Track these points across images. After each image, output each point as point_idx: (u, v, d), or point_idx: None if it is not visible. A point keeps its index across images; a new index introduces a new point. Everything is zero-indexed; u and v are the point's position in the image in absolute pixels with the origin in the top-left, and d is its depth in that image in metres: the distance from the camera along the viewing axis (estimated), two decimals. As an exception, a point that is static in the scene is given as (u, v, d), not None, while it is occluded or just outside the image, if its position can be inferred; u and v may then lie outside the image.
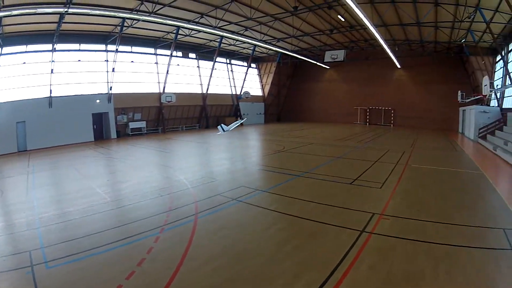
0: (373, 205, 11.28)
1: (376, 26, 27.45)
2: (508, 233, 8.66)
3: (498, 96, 33.03)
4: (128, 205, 11.48)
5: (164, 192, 12.95)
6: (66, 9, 21.99)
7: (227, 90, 53.72)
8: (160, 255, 7.51)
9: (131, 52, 39.01)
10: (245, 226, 9.53)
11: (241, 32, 38.77)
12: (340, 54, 37.97)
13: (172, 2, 26.96)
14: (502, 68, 33.86)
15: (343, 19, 34.36)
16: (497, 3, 24.56)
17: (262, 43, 40.56)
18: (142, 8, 27.19)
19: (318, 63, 53.24)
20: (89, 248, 7.83)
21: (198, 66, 48.48)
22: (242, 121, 34.55)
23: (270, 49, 47.52)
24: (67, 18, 26.94)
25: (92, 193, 12.99)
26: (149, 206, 11.28)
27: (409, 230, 8.96)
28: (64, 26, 28.48)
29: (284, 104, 66.75)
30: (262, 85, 61.80)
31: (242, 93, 52.55)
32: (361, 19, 23.52)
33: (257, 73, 61.65)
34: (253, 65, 59.76)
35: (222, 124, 29.79)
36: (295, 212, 10.54)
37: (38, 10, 21.59)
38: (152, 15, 27.25)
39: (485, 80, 27.97)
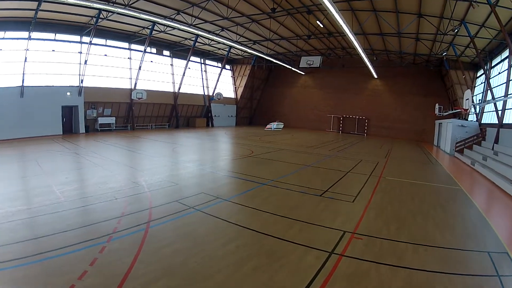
0: (344, 221, 10.24)
1: (355, 34, 26.91)
2: (494, 258, 8.00)
3: (478, 111, 32.93)
4: (80, 207, 10.43)
5: (120, 195, 11.79)
6: None
7: (199, 91, 52.66)
8: (103, 269, 6.56)
9: (105, 45, 37.72)
10: (200, 240, 8.33)
11: (217, 32, 38.08)
12: (316, 60, 37.33)
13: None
14: (483, 83, 34.16)
15: (321, 25, 33.87)
16: (484, 18, 24.53)
17: (237, 44, 39.92)
18: (119, 0, 26.20)
19: (293, 68, 53.06)
20: (35, 253, 7.06)
21: (171, 64, 47.31)
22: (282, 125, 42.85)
23: (246, 51, 46.93)
24: (45, 6, 25.93)
25: (48, 191, 11.92)
26: (102, 210, 10.18)
27: (385, 253, 7.99)
28: (41, 14, 27.47)
29: (256, 107, 66.48)
30: (235, 87, 61.02)
31: (214, 95, 51.69)
32: (341, 26, 23.05)
33: (230, 75, 60.86)
34: (227, 66, 59.03)
35: (272, 123, 41.02)
36: (257, 226, 9.43)
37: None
38: (127, 8, 26.17)
39: (467, 94, 27.77)
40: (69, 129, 33.90)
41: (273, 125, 41.93)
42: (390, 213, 11.36)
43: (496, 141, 25.56)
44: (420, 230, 9.78)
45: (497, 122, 26.59)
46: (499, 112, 26.32)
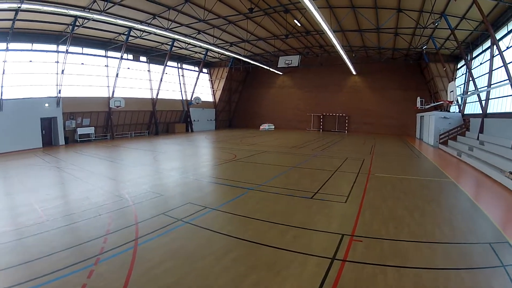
0: (341, 224, 9.97)
1: (333, 31, 26.94)
2: (496, 248, 8.06)
3: (460, 102, 33.32)
4: (64, 226, 9.77)
5: (103, 211, 11.18)
6: (19, 5, 21.44)
7: (177, 96, 52.06)
8: (94, 297, 6.12)
9: (81, 53, 37.00)
10: (192, 256, 7.79)
11: (194, 35, 37.78)
12: (294, 60, 37.21)
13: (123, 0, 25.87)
14: (464, 75, 34.81)
15: (299, 24, 33.90)
16: (465, 10, 24.84)
17: (214, 47, 39.53)
18: (94, 6, 25.82)
19: (271, 69, 53.08)
20: (21, 281, 6.48)
21: (148, 70, 46.67)
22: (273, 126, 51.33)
23: (223, 54, 47.04)
24: (21, 15, 25.52)
25: (29, 210, 11.34)
26: (86, 229, 9.59)
27: (388, 254, 7.75)
28: (18, 24, 27.09)
29: (235, 110, 66.30)
30: (213, 90, 60.64)
31: (192, 99, 51.33)
32: (319, 23, 22.94)
33: (208, 79, 60.49)
34: (204, 70, 58.68)
35: (264, 124, 50.07)
36: (250, 235, 8.99)
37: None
38: (103, 13, 25.78)
39: (451, 86, 27.89)
40: (49, 141, 33.12)
41: (266, 126, 48.04)
42: (385, 212, 11.14)
43: (481, 130, 25.87)
44: (418, 227, 9.59)
45: (480, 112, 26.94)
46: (483, 102, 26.67)
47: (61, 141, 33.56)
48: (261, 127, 47.69)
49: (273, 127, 48.49)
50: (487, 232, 9.35)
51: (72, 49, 33.78)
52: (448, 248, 8.15)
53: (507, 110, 23.67)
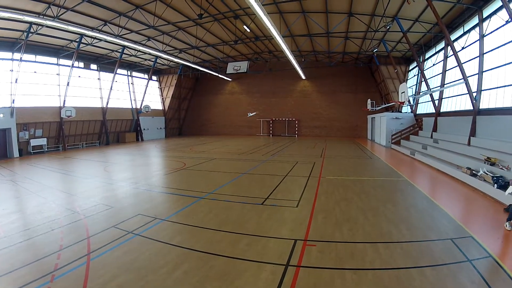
0: (293, 229, 9.66)
1: (283, 36, 27.01)
2: (458, 243, 8.17)
3: (412, 103, 34.32)
4: (19, 242, 9.29)
5: (56, 225, 10.52)
6: None
7: (127, 104, 50.92)
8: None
9: (34, 61, 35.67)
10: (143, 269, 7.36)
11: (144, 42, 37.19)
12: (243, 66, 37.21)
13: (76, 5, 25.18)
14: (416, 76, 36.05)
15: (248, 30, 33.94)
16: (418, 13, 25.41)
17: (164, 54, 38.73)
18: (48, 12, 25.10)
19: (220, 75, 52.96)
20: None
21: (98, 78, 45.19)
22: None
23: (172, 61, 46.60)
24: None
25: None
26: (41, 244, 9.07)
27: (344, 257, 7.56)
28: None
29: (185, 117, 65.66)
30: (162, 98, 59.72)
31: (142, 107, 50.36)
32: (269, 29, 22.87)
33: (157, 86, 59.50)
34: (154, 77, 57.79)
35: None
36: (201, 246, 8.56)
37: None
38: (56, 19, 24.85)
39: (403, 87, 28.29)
40: (3, 153, 31.86)
41: None
42: (338, 214, 10.95)
43: (435, 129, 26.69)
44: (374, 228, 9.49)
45: (433, 111, 27.80)
46: (436, 102, 27.48)
47: (16, 153, 32.31)
48: None
49: None
50: (448, 228, 9.33)
51: (25, 57, 32.85)
52: (407, 247, 8.05)
53: (461, 108, 24.10)
